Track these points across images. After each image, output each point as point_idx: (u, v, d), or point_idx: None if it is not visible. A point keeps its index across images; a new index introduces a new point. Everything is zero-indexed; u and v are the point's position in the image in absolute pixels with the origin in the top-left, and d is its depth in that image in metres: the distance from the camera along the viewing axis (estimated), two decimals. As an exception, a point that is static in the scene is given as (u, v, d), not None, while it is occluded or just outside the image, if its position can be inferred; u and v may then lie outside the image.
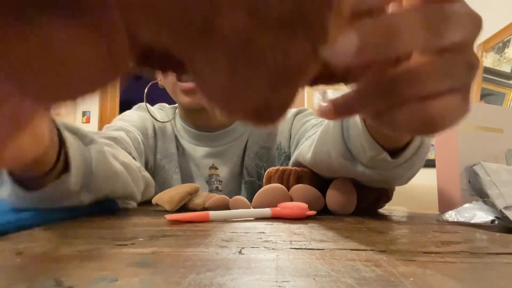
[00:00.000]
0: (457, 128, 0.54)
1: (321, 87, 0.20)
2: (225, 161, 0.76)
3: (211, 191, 0.75)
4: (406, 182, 0.49)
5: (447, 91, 0.19)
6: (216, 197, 0.53)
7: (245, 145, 0.78)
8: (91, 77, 0.12)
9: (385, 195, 0.58)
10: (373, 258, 0.25)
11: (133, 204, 0.58)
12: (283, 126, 0.77)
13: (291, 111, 0.78)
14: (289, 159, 0.74)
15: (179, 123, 0.80)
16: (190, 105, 0.71)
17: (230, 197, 0.51)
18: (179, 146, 0.78)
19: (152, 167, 0.77)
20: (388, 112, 0.20)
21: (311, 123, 0.72)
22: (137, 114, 0.78)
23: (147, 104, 0.77)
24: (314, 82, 0.19)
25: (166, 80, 0.73)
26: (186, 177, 0.76)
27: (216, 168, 0.75)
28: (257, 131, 0.78)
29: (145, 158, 0.74)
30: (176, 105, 0.84)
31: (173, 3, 0.12)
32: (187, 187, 0.56)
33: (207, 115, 0.75)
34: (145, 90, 0.73)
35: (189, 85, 0.69)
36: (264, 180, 0.60)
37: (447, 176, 0.55)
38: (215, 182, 0.75)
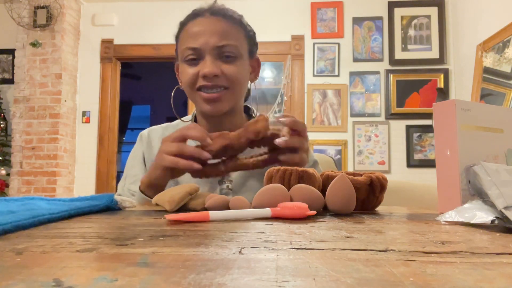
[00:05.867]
0: (457, 128, 0.54)
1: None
2: None
3: (221, 189, 0.80)
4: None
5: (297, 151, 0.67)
6: (216, 197, 0.53)
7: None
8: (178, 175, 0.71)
9: (373, 198, 0.59)
10: (373, 258, 0.25)
11: (133, 204, 0.58)
12: None
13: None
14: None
15: None
16: (210, 112, 0.78)
17: (242, 194, 0.52)
18: None
19: None
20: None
21: None
22: (139, 149, 0.90)
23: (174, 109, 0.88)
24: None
25: (184, 85, 0.80)
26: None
27: None
28: None
29: None
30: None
31: None
32: (187, 187, 0.56)
33: (220, 121, 0.83)
34: (172, 93, 0.87)
35: (211, 95, 0.76)
36: (264, 179, 0.60)
37: (447, 176, 0.55)
38: (226, 182, 0.81)
